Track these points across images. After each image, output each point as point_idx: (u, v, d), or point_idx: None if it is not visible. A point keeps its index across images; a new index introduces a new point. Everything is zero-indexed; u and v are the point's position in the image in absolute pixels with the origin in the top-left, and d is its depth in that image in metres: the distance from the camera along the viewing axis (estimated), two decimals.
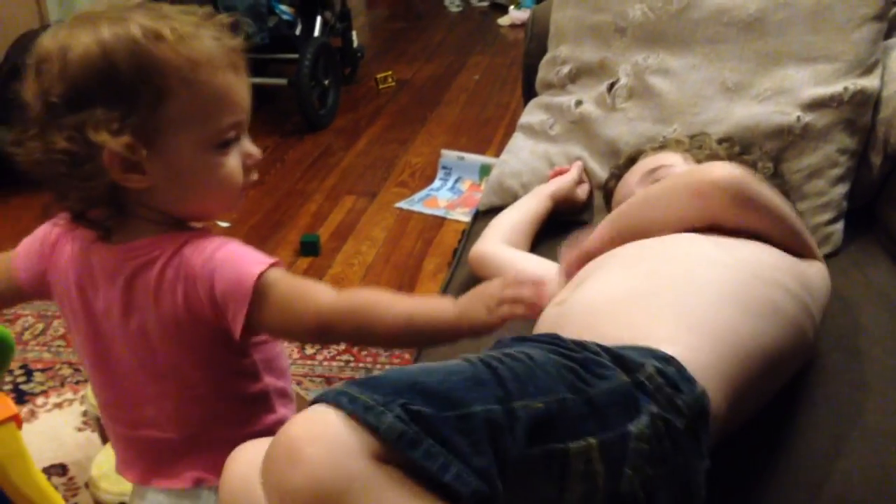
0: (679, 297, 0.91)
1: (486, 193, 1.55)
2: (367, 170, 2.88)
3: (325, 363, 1.85)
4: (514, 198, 1.49)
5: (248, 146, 0.90)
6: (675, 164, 1.24)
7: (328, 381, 1.79)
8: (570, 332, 0.87)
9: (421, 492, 0.67)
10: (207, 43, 0.83)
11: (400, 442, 0.66)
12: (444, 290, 1.35)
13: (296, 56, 3.03)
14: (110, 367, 0.93)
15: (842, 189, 1.34)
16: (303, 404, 1.52)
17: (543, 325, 0.98)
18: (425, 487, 0.67)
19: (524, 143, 1.54)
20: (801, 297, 0.97)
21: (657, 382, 0.79)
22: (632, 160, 1.32)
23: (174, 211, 0.89)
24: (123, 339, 0.90)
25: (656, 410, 0.77)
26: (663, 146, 1.31)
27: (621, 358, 0.81)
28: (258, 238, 2.42)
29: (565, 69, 1.53)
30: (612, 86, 1.46)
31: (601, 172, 1.43)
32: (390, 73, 3.66)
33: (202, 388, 0.92)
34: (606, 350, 0.82)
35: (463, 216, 2.48)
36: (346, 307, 0.88)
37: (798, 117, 1.33)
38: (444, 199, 2.65)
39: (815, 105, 1.33)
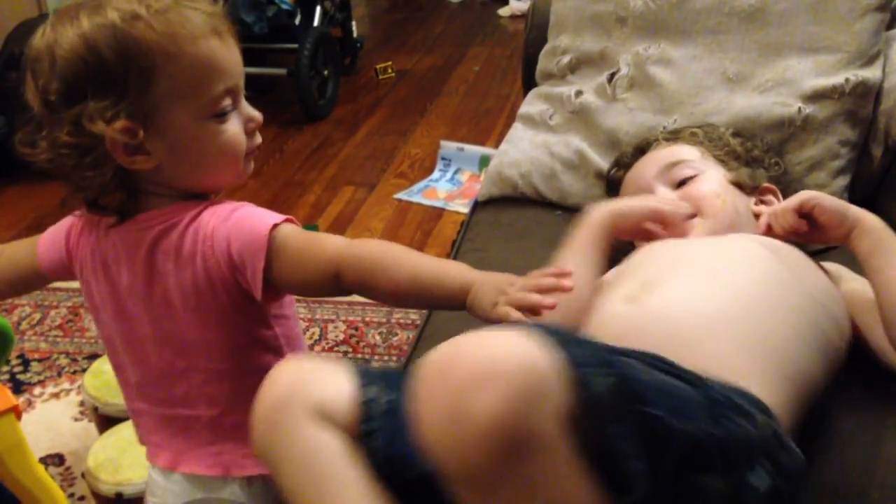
0: (763, 326, 0.88)
1: (485, 184, 1.54)
2: (366, 160, 2.87)
3: (323, 353, 1.85)
4: (514, 189, 1.49)
5: (248, 110, 0.90)
6: (694, 159, 1.19)
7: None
8: (648, 342, 0.81)
9: (587, 476, 0.60)
10: (186, 13, 0.84)
11: (608, 413, 0.59)
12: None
13: (295, 46, 3.02)
14: (138, 344, 0.94)
15: (842, 181, 1.33)
16: None
17: (613, 324, 0.92)
18: (591, 473, 0.61)
19: (524, 133, 1.53)
20: (839, 320, 0.96)
21: (773, 444, 0.76)
22: (641, 150, 1.28)
23: (185, 185, 0.89)
24: (148, 312, 0.91)
25: (773, 471, 0.74)
26: (676, 137, 1.27)
27: (739, 408, 0.76)
28: None
29: (566, 59, 1.52)
30: (612, 76, 1.45)
31: (601, 163, 1.42)
32: (390, 63, 3.64)
33: (227, 361, 0.92)
34: (724, 395, 0.77)
35: (462, 207, 2.47)
36: (358, 252, 0.87)
37: (799, 108, 1.32)
38: (444, 190, 2.64)
39: (817, 96, 1.32)
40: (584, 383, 0.58)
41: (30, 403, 1.70)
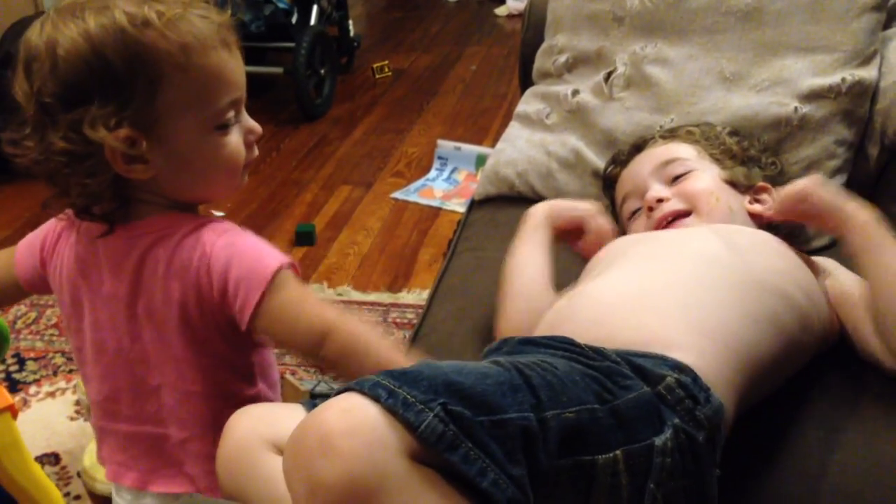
0: (687, 298, 0.90)
1: (482, 183, 1.54)
2: (362, 159, 2.86)
3: None
4: (511, 187, 1.49)
5: (249, 122, 0.89)
6: (690, 157, 1.20)
7: (322, 370, 1.78)
8: (578, 324, 0.86)
9: (454, 495, 0.65)
10: (197, 23, 0.81)
11: (439, 443, 0.64)
12: (440, 281, 1.35)
13: (292, 45, 3.02)
14: (109, 357, 0.92)
15: (839, 180, 1.33)
16: (296, 394, 1.52)
17: (553, 316, 0.97)
18: (458, 491, 0.65)
19: (520, 132, 1.53)
20: (802, 307, 0.96)
21: (678, 395, 0.78)
22: (638, 148, 1.29)
23: (180, 195, 0.88)
24: (128, 323, 0.89)
25: (678, 423, 0.76)
26: (673, 135, 1.27)
27: (641, 369, 0.79)
28: (254, 227, 2.37)
29: (562, 58, 1.52)
30: (609, 75, 1.45)
31: (598, 161, 1.42)
32: (387, 62, 3.64)
33: (200, 384, 0.90)
34: (625, 359, 0.80)
35: (459, 207, 2.47)
36: (352, 328, 0.86)
37: (795, 108, 1.32)
38: (440, 189, 2.64)
39: (813, 96, 1.32)
40: (411, 423, 0.63)
41: (25, 402, 1.70)
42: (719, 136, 1.25)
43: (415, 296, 2.05)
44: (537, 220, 1.16)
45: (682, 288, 0.92)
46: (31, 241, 0.97)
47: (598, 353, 0.81)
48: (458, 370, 0.70)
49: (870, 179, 1.37)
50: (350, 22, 3.56)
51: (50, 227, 0.95)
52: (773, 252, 1.01)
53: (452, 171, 2.72)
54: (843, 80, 1.31)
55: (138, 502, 0.96)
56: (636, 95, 1.42)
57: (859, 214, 0.99)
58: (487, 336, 1.13)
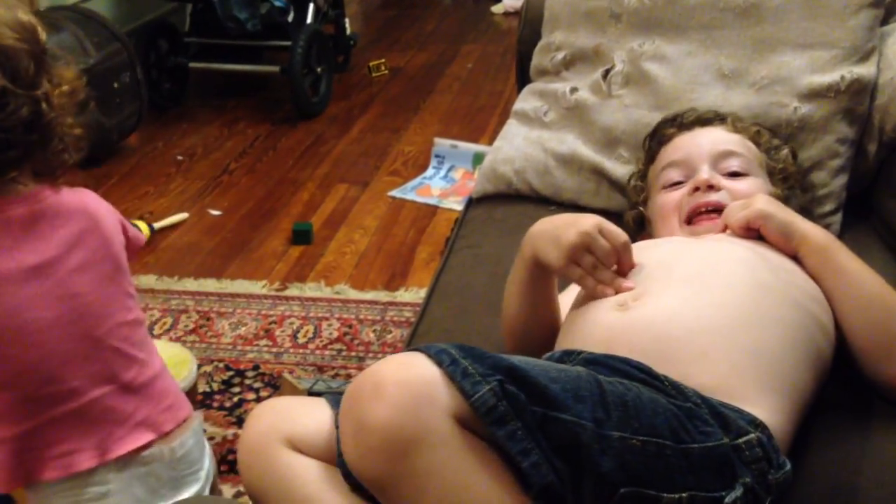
0: (755, 342, 0.86)
1: (480, 181, 1.53)
2: (359, 158, 2.86)
3: (318, 352, 1.84)
4: (508, 185, 1.48)
5: None
6: (752, 160, 1.14)
7: (320, 369, 1.78)
8: (637, 351, 0.83)
9: (490, 469, 0.67)
10: None
11: (489, 415, 0.65)
12: (437, 279, 1.34)
13: (288, 43, 3.01)
14: (27, 335, 0.93)
15: (842, 179, 1.33)
16: (294, 392, 1.51)
17: (603, 331, 0.91)
18: (499, 466, 0.67)
19: (518, 129, 1.52)
20: (826, 326, 0.94)
21: (756, 454, 0.76)
22: (704, 121, 1.21)
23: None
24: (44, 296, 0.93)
25: (750, 483, 0.74)
26: (744, 128, 1.20)
27: (723, 418, 0.77)
28: (250, 226, 2.40)
29: (560, 56, 1.51)
30: (607, 72, 1.44)
31: (596, 158, 1.41)
32: (383, 60, 3.63)
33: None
34: (706, 402, 0.78)
35: (456, 205, 2.47)
36: None
37: (795, 108, 1.31)
38: (437, 187, 2.63)
39: (813, 95, 1.32)
40: (465, 391, 0.66)
41: None
42: (785, 158, 1.20)
43: (412, 294, 2.04)
44: (524, 256, 1.01)
45: (745, 326, 0.88)
46: None
47: (678, 390, 0.78)
48: (527, 362, 0.71)
49: (868, 175, 1.37)
50: (346, 20, 3.55)
51: None
52: (796, 269, 0.98)
53: (449, 170, 2.72)
54: (843, 77, 1.31)
55: (101, 479, 0.97)
56: (635, 93, 1.41)
57: (813, 237, 0.98)
58: (486, 332, 1.12)
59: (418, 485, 0.66)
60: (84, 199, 1.00)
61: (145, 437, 1.00)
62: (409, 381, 0.66)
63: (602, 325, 0.92)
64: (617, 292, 0.93)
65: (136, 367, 1.01)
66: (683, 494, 0.71)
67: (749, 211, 1.00)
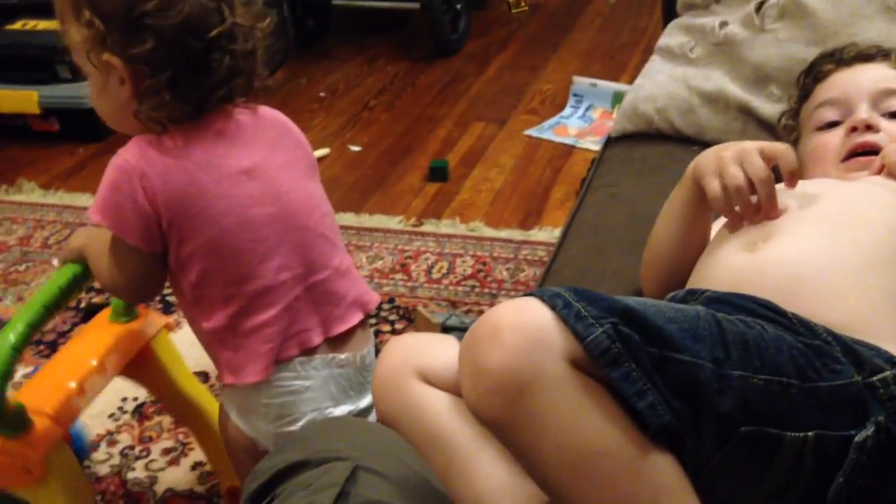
0: (892, 284, 0.83)
1: (619, 119, 1.50)
2: (496, 96, 2.85)
3: (451, 287, 1.88)
4: (649, 124, 1.44)
5: None
6: None
7: (453, 304, 1.82)
8: (769, 293, 0.81)
9: (606, 409, 0.67)
10: None
11: (603, 357, 0.66)
12: (573, 217, 1.34)
13: None
14: (257, 230, 1.05)
15: None
16: (428, 326, 1.55)
17: (729, 273, 0.89)
18: (614, 408, 0.67)
19: (662, 66, 1.48)
20: None
21: (892, 392, 0.73)
22: (866, 57, 1.13)
23: None
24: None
25: (884, 422, 0.71)
26: (885, 55, 1.12)
27: (856, 354, 0.74)
28: (388, 162, 2.45)
29: None
30: (760, 5, 1.37)
31: (744, 97, 1.35)
32: None
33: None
34: (838, 340, 0.75)
35: (593, 145, 2.43)
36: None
37: None
38: (575, 127, 2.59)
39: None
40: (578, 334, 0.66)
41: (178, 324, 1.81)
42: None
43: (546, 233, 2.04)
44: (687, 174, 0.99)
45: (884, 268, 0.84)
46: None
47: (807, 327, 0.76)
48: (642, 303, 0.71)
49: None
50: None
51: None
52: None
53: (587, 109, 2.67)
54: None
55: (319, 362, 1.09)
56: (790, 26, 1.34)
57: None
58: (621, 272, 1.12)
59: (534, 426, 0.67)
60: (274, 112, 1.12)
61: (357, 316, 1.12)
62: (523, 326, 0.67)
63: (729, 267, 0.90)
64: (751, 222, 0.90)
65: (341, 254, 1.13)
66: (809, 433, 0.69)
67: None
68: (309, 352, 1.08)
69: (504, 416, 0.68)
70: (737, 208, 0.91)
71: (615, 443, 0.67)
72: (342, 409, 1.10)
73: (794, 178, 0.91)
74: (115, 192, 1.00)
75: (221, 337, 1.07)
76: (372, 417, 1.10)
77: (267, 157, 1.06)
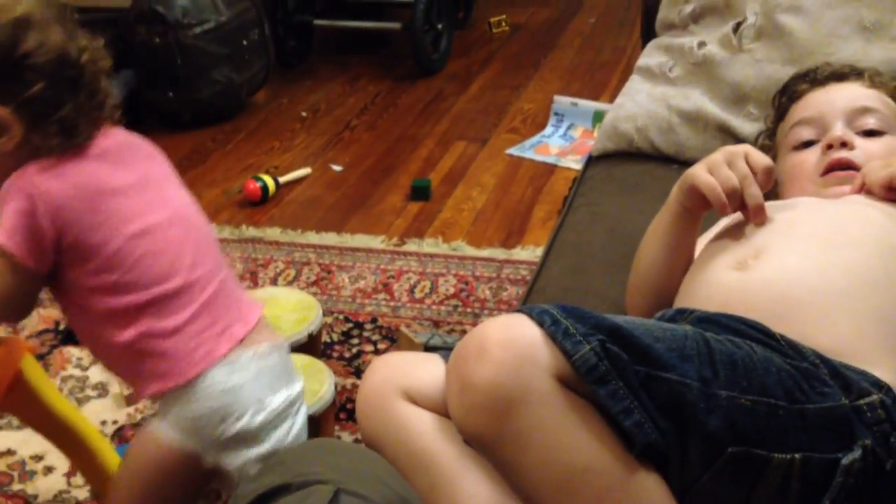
0: (881, 305, 0.83)
1: (600, 138, 1.51)
2: (478, 115, 2.86)
3: (434, 307, 1.87)
4: (629, 143, 1.45)
5: None
6: (891, 117, 1.07)
7: (436, 324, 1.81)
8: (755, 311, 0.81)
9: (592, 427, 0.67)
10: None
11: (590, 374, 0.67)
12: (555, 236, 1.34)
13: (410, 0, 3.02)
14: (162, 232, 1.08)
15: None
16: (410, 346, 1.55)
17: (720, 291, 0.88)
18: (600, 425, 0.68)
19: (641, 85, 1.49)
20: None
21: (878, 416, 0.73)
22: (839, 76, 1.14)
23: None
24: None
25: (870, 446, 0.72)
26: (882, 84, 1.12)
27: (843, 377, 0.75)
28: (370, 181, 2.45)
29: (688, 8, 1.46)
30: (738, 25, 1.38)
31: (723, 116, 1.36)
32: (504, 17, 3.60)
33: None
34: (825, 363, 0.76)
35: (574, 164, 2.44)
36: None
37: None
38: (556, 146, 2.60)
39: None
40: (566, 351, 0.66)
41: None
42: None
43: (529, 252, 2.04)
44: (672, 194, 1.00)
45: (873, 289, 0.84)
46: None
47: (795, 349, 0.76)
48: (630, 322, 0.72)
49: None
50: None
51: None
52: None
53: (569, 128, 2.68)
54: None
55: (263, 362, 1.09)
56: (768, 47, 1.35)
57: None
58: (603, 290, 1.12)
59: (520, 442, 0.68)
60: (128, 131, 1.14)
61: (257, 309, 1.13)
62: (511, 342, 0.68)
63: (719, 285, 0.89)
64: (741, 211, 0.91)
65: (227, 259, 1.16)
66: (796, 455, 0.69)
67: (893, 169, 0.95)
68: (236, 346, 1.07)
69: (490, 431, 0.68)
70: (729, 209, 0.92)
71: (601, 460, 0.68)
72: (279, 398, 1.08)
73: (767, 178, 0.92)
74: (17, 215, 0.99)
75: (143, 346, 1.05)
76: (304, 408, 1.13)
77: (148, 170, 1.11)
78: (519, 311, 0.71)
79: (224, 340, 1.07)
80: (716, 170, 0.91)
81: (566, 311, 0.69)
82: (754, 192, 0.90)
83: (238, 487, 0.82)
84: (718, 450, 0.68)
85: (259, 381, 1.07)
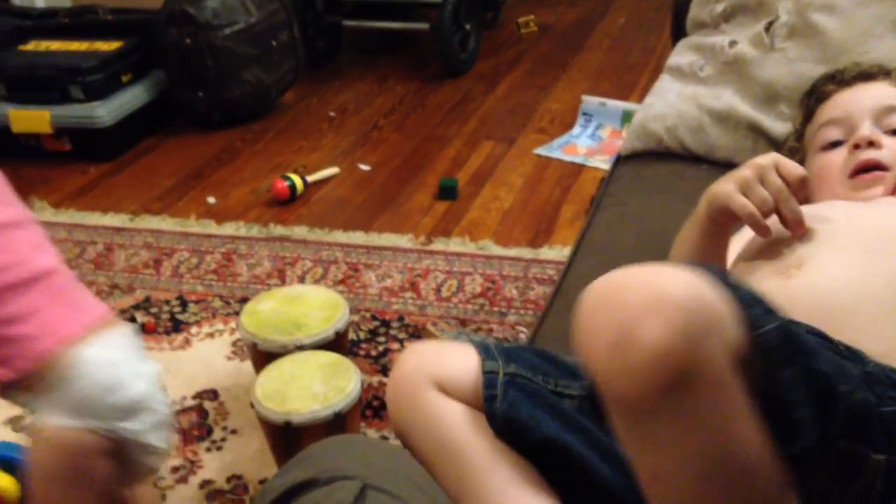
0: None
1: (629, 138, 1.50)
2: (506, 115, 2.85)
3: (461, 306, 1.87)
4: (659, 143, 1.45)
5: None
6: None
7: (462, 323, 1.81)
8: (804, 318, 0.76)
9: (757, 420, 0.59)
10: None
11: (775, 353, 0.59)
12: (583, 236, 1.33)
13: (438, 0, 3.02)
14: None
15: None
16: None
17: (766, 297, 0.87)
18: (759, 419, 0.59)
19: (671, 85, 1.48)
20: None
21: None
22: (866, 76, 1.12)
23: None
24: None
25: None
26: (886, 73, 1.12)
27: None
28: (397, 181, 2.46)
29: (719, 7, 1.45)
30: (770, 24, 1.37)
31: (754, 115, 1.35)
32: (532, 17, 3.59)
33: None
34: (881, 368, 0.74)
35: (602, 164, 2.43)
36: None
37: None
38: (584, 146, 2.59)
39: None
40: (754, 323, 0.57)
41: (188, 342, 1.82)
42: None
43: (556, 252, 2.04)
44: (699, 210, 0.96)
45: None
46: None
47: (854, 354, 0.73)
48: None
49: None
50: None
51: None
52: None
53: (597, 128, 2.67)
54: None
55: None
56: (800, 45, 1.34)
57: None
58: None
59: (686, 422, 0.57)
60: None
61: None
62: (697, 305, 0.55)
63: (763, 292, 0.88)
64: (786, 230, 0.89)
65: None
66: (883, 457, 0.66)
67: None
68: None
69: (649, 401, 0.56)
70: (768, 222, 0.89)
71: (759, 461, 0.59)
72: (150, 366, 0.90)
73: (803, 188, 0.89)
74: None
75: None
76: None
77: None
78: (691, 266, 0.58)
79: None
80: (750, 191, 0.88)
81: (735, 285, 0.59)
82: (793, 206, 0.88)
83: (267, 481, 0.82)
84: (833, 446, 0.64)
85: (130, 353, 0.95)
